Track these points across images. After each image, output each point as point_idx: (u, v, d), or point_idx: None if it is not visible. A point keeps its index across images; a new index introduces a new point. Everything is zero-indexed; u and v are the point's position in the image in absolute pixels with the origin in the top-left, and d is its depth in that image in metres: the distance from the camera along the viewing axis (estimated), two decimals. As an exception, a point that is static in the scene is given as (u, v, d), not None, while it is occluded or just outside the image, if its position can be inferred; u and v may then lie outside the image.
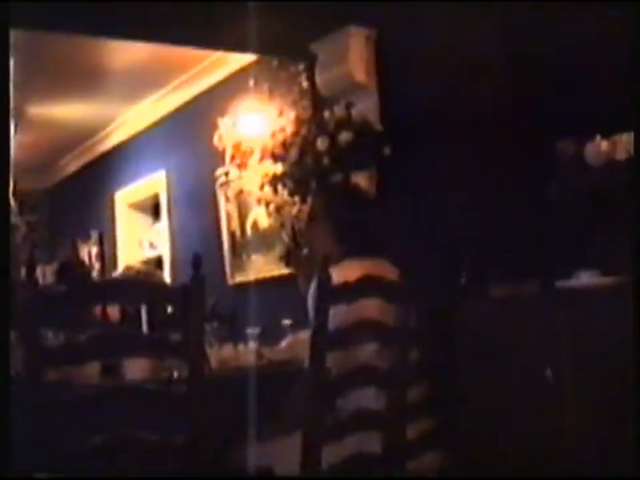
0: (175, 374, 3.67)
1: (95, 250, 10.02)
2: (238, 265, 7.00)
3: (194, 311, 2.62)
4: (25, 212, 10.64)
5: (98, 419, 2.50)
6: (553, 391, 3.18)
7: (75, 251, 10.22)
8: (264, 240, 6.60)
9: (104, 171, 9.72)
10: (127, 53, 6.89)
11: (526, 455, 3.30)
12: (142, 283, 3.29)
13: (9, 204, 2.39)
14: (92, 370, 3.66)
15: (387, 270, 3.63)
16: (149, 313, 4.48)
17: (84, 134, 9.55)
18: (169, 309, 3.75)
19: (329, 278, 2.99)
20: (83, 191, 10.21)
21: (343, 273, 3.23)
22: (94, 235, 10.04)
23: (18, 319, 2.51)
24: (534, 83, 4.14)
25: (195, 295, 2.62)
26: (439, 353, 3.69)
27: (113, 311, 4.81)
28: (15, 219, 8.83)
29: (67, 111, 8.60)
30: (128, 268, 6.56)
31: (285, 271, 6.00)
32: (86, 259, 9.98)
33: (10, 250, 2.40)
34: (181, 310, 2.66)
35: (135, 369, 3.77)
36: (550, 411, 3.23)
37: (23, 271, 4.33)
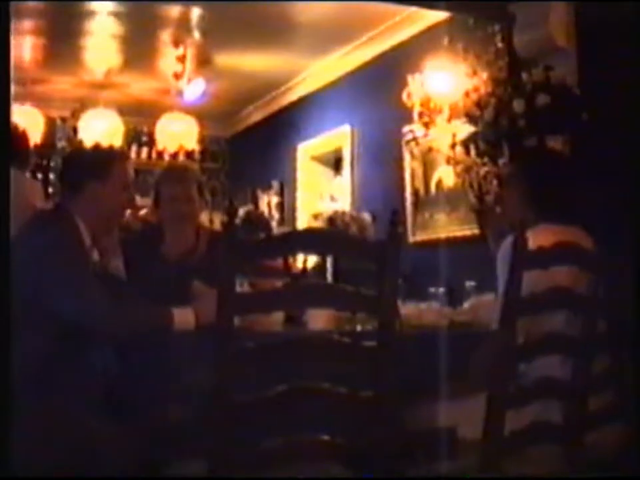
0: (359, 327, 3.71)
1: (275, 200, 10.17)
2: (419, 223, 7.00)
3: (390, 267, 2.62)
4: (206, 159, 10.88)
5: (284, 367, 2.53)
6: None
7: (255, 200, 10.39)
8: (448, 199, 6.59)
9: (287, 122, 9.83)
10: (317, 6, 6.94)
11: None
12: (341, 235, 3.29)
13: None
14: (277, 319, 3.73)
15: (580, 237, 3.56)
16: (334, 264, 4.51)
17: (269, 85, 9.68)
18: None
19: (525, 242, 2.94)
20: (265, 141, 10.34)
21: (537, 237, 3.17)
22: (275, 185, 10.19)
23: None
24: None
25: (392, 251, 2.62)
26: (626, 327, 3.59)
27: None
28: (197, 165, 8.97)
29: (254, 62, 8.72)
30: (333, 216, 6.52)
31: (467, 231, 5.98)
32: (265, 209, 10.14)
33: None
34: (376, 265, 2.65)
35: (318, 319, 3.82)
36: None
37: (218, 219, 4.43)
